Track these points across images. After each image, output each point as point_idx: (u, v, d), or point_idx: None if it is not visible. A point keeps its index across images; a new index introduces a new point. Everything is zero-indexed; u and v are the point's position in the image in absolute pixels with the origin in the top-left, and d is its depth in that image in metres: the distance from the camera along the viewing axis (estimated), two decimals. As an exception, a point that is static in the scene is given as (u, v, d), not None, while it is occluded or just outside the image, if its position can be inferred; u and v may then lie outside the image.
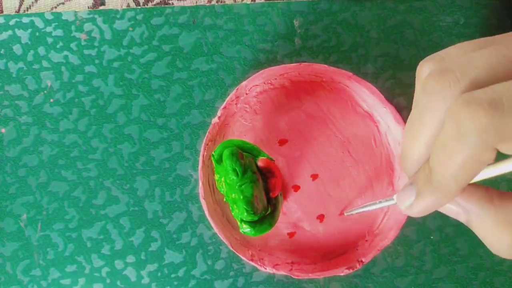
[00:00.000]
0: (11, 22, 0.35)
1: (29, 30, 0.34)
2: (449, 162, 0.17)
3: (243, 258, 0.31)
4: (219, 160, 0.30)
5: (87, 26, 0.35)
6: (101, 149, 0.34)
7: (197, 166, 0.34)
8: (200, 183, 0.31)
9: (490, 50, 0.18)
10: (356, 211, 0.30)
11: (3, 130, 0.34)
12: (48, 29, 0.35)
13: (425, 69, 0.20)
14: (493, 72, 0.17)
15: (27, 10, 0.35)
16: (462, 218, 0.21)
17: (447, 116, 0.17)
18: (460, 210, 0.21)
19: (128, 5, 0.35)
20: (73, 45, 0.34)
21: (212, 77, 0.34)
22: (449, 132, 0.17)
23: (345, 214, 0.31)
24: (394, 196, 0.25)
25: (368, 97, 0.32)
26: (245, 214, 0.29)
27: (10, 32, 0.35)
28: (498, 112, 0.16)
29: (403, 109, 0.34)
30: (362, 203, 0.33)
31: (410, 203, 0.20)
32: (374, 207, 0.28)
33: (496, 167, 0.20)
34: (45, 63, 0.34)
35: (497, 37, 0.19)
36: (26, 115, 0.34)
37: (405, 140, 0.21)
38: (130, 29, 0.35)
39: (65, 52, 0.34)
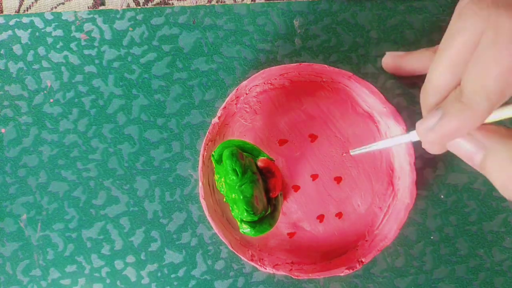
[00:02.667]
0: (11, 22, 0.35)
1: (29, 30, 0.34)
2: (483, 74, 0.17)
3: (243, 258, 0.31)
4: (219, 160, 0.30)
5: (87, 26, 0.35)
6: (101, 149, 0.34)
7: (197, 166, 0.34)
8: (200, 183, 0.31)
9: None
10: (365, 150, 0.27)
11: (3, 130, 0.34)
12: (48, 29, 0.35)
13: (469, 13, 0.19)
14: None
15: (27, 10, 0.35)
16: (477, 159, 0.20)
17: (486, 27, 0.17)
18: (477, 149, 0.20)
19: (128, 5, 0.35)
20: (73, 45, 0.34)
21: (212, 77, 0.34)
22: (486, 41, 0.17)
23: (352, 153, 0.30)
24: (412, 132, 0.23)
25: (368, 97, 0.32)
26: (245, 214, 0.29)
27: (10, 32, 0.35)
28: None
29: (403, 109, 0.34)
30: (362, 203, 0.33)
31: (432, 125, 0.19)
32: (386, 144, 0.25)
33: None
34: (45, 63, 0.34)
35: None
36: (26, 115, 0.34)
37: (434, 67, 0.19)
38: (130, 29, 0.35)
39: (65, 52, 0.34)
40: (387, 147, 0.25)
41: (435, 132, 0.19)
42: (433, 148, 0.20)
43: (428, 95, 0.20)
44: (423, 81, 0.26)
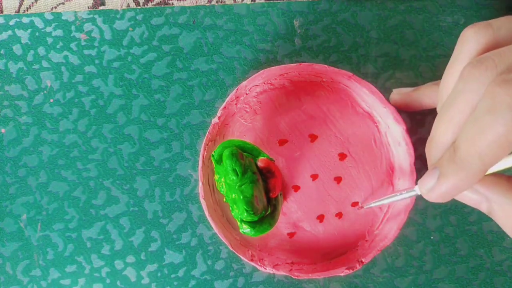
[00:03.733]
0: (11, 22, 0.35)
1: (29, 30, 0.34)
2: (478, 138, 0.17)
3: (243, 258, 0.31)
4: (219, 160, 0.30)
5: (87, 26, 0.35)
6: (101, 149, 0.34)
7: (197, 166, 0.34)
8: (200, 183, 0.31)
9: None
10: (375, 204, 0.29)
11: (3, 130, 0.34)
12: (48, 29, 0.35)
13: (468, 34, 0.20)
14: None
15: (27, 10, 0.35)
16: (483, 207, 0.21)
17: (484, 94, 0.17)
18: (481, 199, 0.21)
19: (128, 5, 0.35)
20: (73, 45, 0.34)
21: (212, 77, 0.34)
22: (483, 107, 0.17)
23: (364, 207, 0.31)
24: (416, 187, 0.25)
25: (368, 97, 0.32)
26: (245, 214, 0.29)
27: (10, 32, 0.34)
28: None
29: (403, 109, 0.34)
30: (362, 203, 0.33)
31: (432, 186, 0.20)
32: (394, 199, 0.27)
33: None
34: (45, 63, 0.34)
35: None
36: (26, 115, 0.34)
37: (436, 124, 0.20)
38: (130, 29, 0.35)
39: (65, 52, 0.34)
40: (398, 200, 0.28)
41: (435, 192, 0.20)
42: (438, 201, 0.21)
43: (432, 150, 0.21)
44: (430, 110, 0.27)
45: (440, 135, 0.20)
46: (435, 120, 0.21)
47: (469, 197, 0.21)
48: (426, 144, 0.22)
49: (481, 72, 0.18)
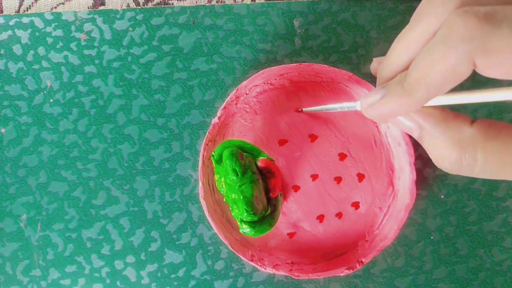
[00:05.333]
0: (11, 22, 0.35)
1: (29, 30, 0.34)
2: (428, 67, 0.18)
3: (243, 258, 0.31)
4: (219, 161, 0.30)
5: (87, 26, 0.35)
6: (101, 149, 0.34)
7: (197, 166, 0.34)
8: (200, 184, 0.31)
9: None
10: (314, 109, 0.30)
11: (3, 130, 0.34)
12: (48, 29, 0.35)
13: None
14: None
15: (27, 10, 0.35)
16: (414, 134, 0.22)
17: (443, 23, 0.17)
18: (414, 126, 0.22)
19: (128, 5, 0.35)
20: (73, 45, 0.34)
21: (212, 77, 0.34)
22: (439, 36, 0.17)
23: (304, 110, 0.32)
24: (357, 103, 0.25)
25: (368, 97, 0.32)
26: (245, 214, 0.29)
27: (10, 32, 0.34)
28: (489, 23, 0.16)
29: (403, 109, 0.34)
30: (362, 203, 0.33)
31: (374, 102, 0.20)
32: (333, 106, 0.28)
33: (455, 95, 0.20)
34: (45, 63, 0.34)
35: None
36: (26, 115, 0.34)
37: (394, 45, 0.21)
38: (130, 29, 0.35)
39: (65, 52, 0.34)
40: (334, 110, 0.28)
41: (375, 110, 0.21)
42: (374, 119, 0.22)
43: (383, 70, 0.22)
44: None
45: (395, 57, 0.20)
46: (395, 41, 0.21)
47: (402, 123, 0.22)
48: (379, 65, 0.22)
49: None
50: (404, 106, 0.19)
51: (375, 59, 0.25)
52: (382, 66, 0.22)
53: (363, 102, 0.22)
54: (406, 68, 0.20)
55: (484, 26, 0.16)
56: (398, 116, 0.21)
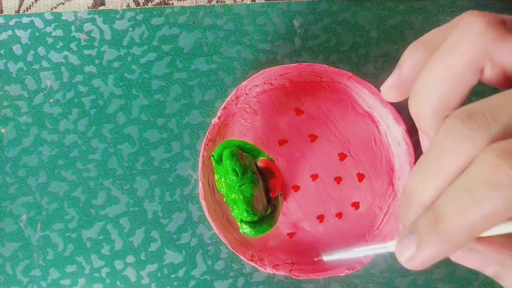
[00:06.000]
0: (11, 22, 0.35)
1: (29, 30, 0.34)
2: (470, 210, 0.16)
3: (243, 258, 0.31)
4: (219, 161, 0.30)
5: (87, 26, 0.35)
6: (101, 149, 0.34)
7: (197, 167, 0.34)
8: (200, 184, 0.31)
9: None
10: (337, 256, 0.27)
11: (3, 130, 0.34)
12: (48, 29, 0.35)
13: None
14: None
15: (27, 10, 0.35)
16: (489, 271, 0.19)
17: (481, 160, 0.16)
18: (487, 262, 0.19)
19: (128, 5, 0.35)
20: (73, 45, 0.34)
21: (212, 77, 0.34)
22: (479, 176, 0.15)
23: (324, 259, 0.28)
24: (388, 245, 0.23)
25: (368, 97, 0.32)
26: (245, 214, 0.29)
27: (10, 32, 0.34)
28: None
29: (403, 109, 0.34)
30: (362, 203, 0.33)
31: (411, 255, 0.18)
32: (358, 254, 0.25)
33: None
34: (45, 63, 0.34)
35: None
36: (26, 115, 0.34)
37: (416, 180, 0.18)
38: (130, 29, 0.35)
39: (65, 52, 0.34)
40: (363, 256, 0.25)
41: (416, 261, 0.18)
42: (419, 268, 0.19)
43: (410, 207, 0.19)
44: None
45: (423, 195, 0.18)
46: (413, 172, 0.19)
47: (473, 260, 0.19)
48: (400, 198, 0.20)
49: (474, 131, 0.16)
50: (445, 252, 0.17)
51: (382, 88, 0.22)
52: (405, 202, 0.19)
53: (401, 257, 0.19)
54: (430, 203, 0.18)
55: None
56: (442, 259, 0.19)
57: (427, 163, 0.18)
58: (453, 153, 0.17)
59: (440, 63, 0.18)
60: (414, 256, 0.18)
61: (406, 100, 0.35)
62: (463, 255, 0.20)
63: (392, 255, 0.34)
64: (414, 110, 0.19)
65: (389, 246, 0.23)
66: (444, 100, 0.18)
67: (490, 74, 0.18)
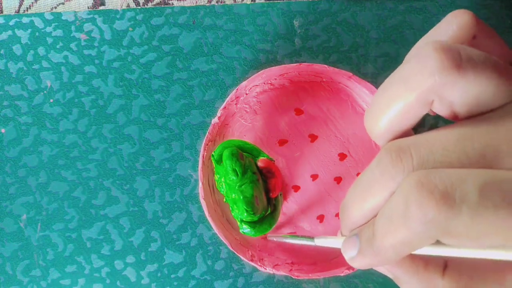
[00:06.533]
0: (11, 22, 0.35)
1: (29, 30, 0.34)
2: (390, 236, 0.18)
3: (243, 258, 0.31)
4: (219, 161, 0.30)
5: (87, 26, 0.35)
6: (101, 149, 0.34)
7: (197, 167, 0.34)
8: (200, 184, 0.31)
9: (451, 133, 0.18)
10: (277, 239, 0.31)
11: (3, 130, 0.34)
12: (48, 29, 0.35)
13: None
14: (449, 159, 0.17)
15: (27, 10, 0.35)
16: (391, 277, 0.22)
17: (398, 190, 0.17)
18: (389, 274, 0.22)
19: (128, 5, 0.35)
20: (73, 45, 0.34)
21: (212, 77, 0.34)
22: (395, 207, 0.17)
23: (268, 238, 0.32)
24: (315, 239, 0.26)
25: (368, 97, 0.32)
26: (245, 214, 0.29)
27: (10, 32, 0.34)
28: (448, 208, 0.16)
29: (403, 109, 0.34)
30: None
31: (353, 256, 0.21)
32: (294, 240, 0.28)
33: (437, 248, 0.20)
34: (45, 63, 0.34)
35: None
36: (26, 115, 0.34)
37: (349, 199, 0.21)
38: (130, 29, 0.35)
39: (65, 52, 0.34)
40: (296, 243, 0.29)
41: (355, 263, 0.21)
42: (358, 268, 0.23)
43: (345, 220, 0.22)
44: None
45: (351, 211, 0.21)
46: (350, 189, 0.21)
47: (379, 269, 0.22)
48: (340, 207, 0.22)
49: (398, 172, 0.18)
50: (379, 263, 0.20)
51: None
52: (343, 213, 0.22)
53: (344, 253, 0.22)
54: (368, 219, 0.20)
55: (442, 213, 0.16)
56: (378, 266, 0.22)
57: (359, 186, 0.20)
58: (379, 186, 0.19)
59: (391, 92, 0.19)
60: (355, 259, 0.21)
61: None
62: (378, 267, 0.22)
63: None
64: (366, 127, 0.21)
65: (316, 241, 0.26)
66: (391, 127, 0.20)
67: (438, 107, 0.19)
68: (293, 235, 0.29)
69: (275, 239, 0.31)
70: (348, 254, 0.21)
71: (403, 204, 0.17)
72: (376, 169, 0.19)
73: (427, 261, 0.21)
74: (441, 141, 0.18)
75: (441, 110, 0.19)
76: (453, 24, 0.20)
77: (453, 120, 0.20)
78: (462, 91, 0.18)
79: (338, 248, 0.23)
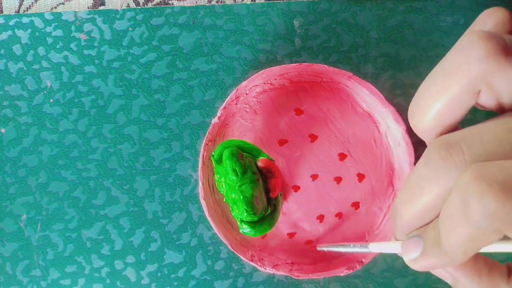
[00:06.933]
0: (11, 22, 0.35)
1: (29, 30, 0.34)
2: (455, 235, 0.17)
3: (243, 258, 0.31)
4: (219, 161, 0.30)
5: (87, 26, 0.35)
6: (101, 149, 0.34)
7: (197, 167, 0.34)
8: (200, 184, 0.31)
9: (500, 123, 0.17)
10: (328, 249, 0.30)
11: (3, 130, 0.34)
12: (48, 29, 0.35)
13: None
14: (502, 149, 0.17)
15: (27, 10, 0.35)
16: (449, 282, 0.21)
17: (455, 187, 0.17)
18: (447, 275, 0.21)
19: (128, 5, 0.35)
20: (73, 45, 0.34)
21: (212, 77, 0.34)
22: (455, 204, 0.17)
23: (318, 249, 0.31)
24: (369, 246, 0.26)
25: (368, 97, 0.32)
26: (245, 214, 0.29)
27: (10, 32, 0.34)
28: (509, 199, 0.15)
29: (403, 109, 0.34)
30: (362, 203, 0.33)
31: (415, 258, 0.20)
32: (346, 249, 0.28)
33: (507, 244, 0.19)
34: (45, 63, 0.34)
35: None
36: (26, 115, 0.34)
37: (400, 201, 0.20)
38: (130, 29, 0.35)
39: (65, 52, 0.34)
40: (349, 252, 0.28)
41: (417, 265, 0.20)
42: (417, 270, 0.22)
43: (397, 225, 0.21)
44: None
45: (405, 214, 0.20)
46: (400, 192, 0.20)
47: (437, 271, 0.22)
48: (391, 211, 0.22)
49: (450, 168, 0.17)
50: (445, 264, 0.19)
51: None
52: (396, 218, 0.21)
53: (404, 254, 0.21)
54: (425, 221, 0.20)
55: (504, 204, 0.15)
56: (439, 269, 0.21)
57: (408, 188, 0.19)
58: (431, 184, 0.18)
59: (438, 84, 0.19)
60: (417, 260, 0.20)
61: (406, 101, 0.36)
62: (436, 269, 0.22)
63: (393, 257, 0.34)
64: (411, 123, 0.20)
65: (370, 247, 0.25)
66: (439, 121, 0.19)
67: (485, 97, 0.18)
68: (345, 244, 0.28)
69: (325, 249, 0.30)
70: (410, 256, 0.20)
71: (462, 200, 0.16)
72: (425, 168, 0.18)
73: (491, 266, 0.20)
74: (491, 132, 0.17)
75: (488, 101, 0.19)
76: (489, 22, 0.20)
77: (500, 112, 0.19)
78: (510, 79, 0.17)
79: (394, 253, 0.22)
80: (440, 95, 0.18)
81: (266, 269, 0.31)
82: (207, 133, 0.31)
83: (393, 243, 0.23)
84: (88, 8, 0.35)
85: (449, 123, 0.19)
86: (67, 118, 0.34)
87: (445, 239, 0.18)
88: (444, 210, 0.18)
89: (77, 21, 0.35)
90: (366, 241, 0.33)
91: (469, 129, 0.18)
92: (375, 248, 0.25)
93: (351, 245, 0.27)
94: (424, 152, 0.19)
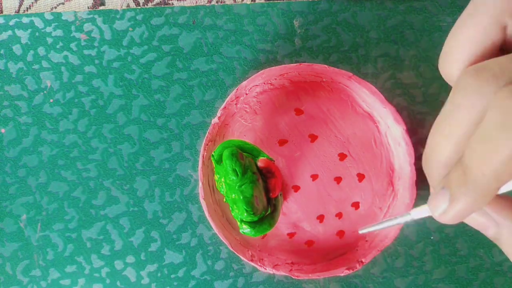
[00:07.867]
0: (11, 22, 0.35)
1: (29, 30, 0.34)
2: (491, 156, 0.16)
3: (243, 258, 0.31)
4: (219, 161, 0.30)
5: (87, 26, 0.35)
6: (101, 149, 0.34)
7: (197, 167, 0.34)
8: (200, 184, 0.31)
9: None
10: (370, 229, 0.27)
11: (3, 130, 0.34)
12: (48, 29, 0.35)
13: (471, 86, 0.18)
14: None
15: (27, 10, 0.35)
16: (490, 232, 0.20)
17: (492, 106, 0.16)
18: (489, 222, 0.20)
19: (128, 5, 0.35)
20: (73, 45, 0.34)
21: (212, 77, 0.34)
22: (493, 122, 0.16)
23: (360, 232, 0.29)
24: (411, 212, 0.24)
25: (368, 97, 0.32)
26: (245, 214, 0.29)
27: (10, 32, 0.34)
28: None
29: (403, 109, 0.34)
30: (362, 203, 0.33)
31: (445, 209, 0.19)
32: (389, 223, 0.26)
33: None
34: (45, 63, 0.34)
35: None
36: (26, 115, 0.34)
37: (434, 140, 0.19)
38: (130, 29, 0.35)
39: (65, 52, 0.34)
40: (393, 225, 0.26)
41: (448, 215, 0.19)
42: (450, 223, 0.20)
43: (433, 168, 0.20)
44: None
45: (440, 152, 0.19)
46: (430, 135, 0.19)
47: (476, 220, 0.20)
48: (423, 161, 0.21)
49: (482, 85, 0.17)
50: (476, 203, 0.18)
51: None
52: (427, 163, 0.20)
53: (434, 211, 0.20)
54: (456, 159, 0.19)
55: None
56: (474, 212, 0.19)
57: (441, 122, 0.19)
58: (465, 108, 0.17)
59: (466, 25, 0.19)
60: (447, 210, 0.19)
61: (406, 101, 0.36)
62: (473, 217, 0.20)
63: (392, 257, 0.34)
64: (442, 70, 0.20)
65: (412, 213, 0.23)
66: (471, 61, 0.19)
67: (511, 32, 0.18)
68: (385, 220, 0.26)
69: (367, 231, 0.28)
70: (438, 210, 0.19)
71: (501, 115, 0.15)
72: (455, 96, 0.17)
73: None
74: None
75: None
76: None
77: None
78: None
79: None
80: (469, 32, 0.18)
81: (266, 269, 0.31)
82: (207, 133, 0.31)
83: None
84: (88, 8, 0.35)
85: (477, 56, 0.19)
86: (67, 118, 0.34)
87: (475, 168, 0.17)
88: (477, 134, 0.17)
89: (77, 21, 0.35)
90: (366, 241, 0.33)
91: (497, 58, 0.17)
92: (417, 214, 0.23)
93: (393, 218, 0.25)
94: (454, 84, 0.18)
